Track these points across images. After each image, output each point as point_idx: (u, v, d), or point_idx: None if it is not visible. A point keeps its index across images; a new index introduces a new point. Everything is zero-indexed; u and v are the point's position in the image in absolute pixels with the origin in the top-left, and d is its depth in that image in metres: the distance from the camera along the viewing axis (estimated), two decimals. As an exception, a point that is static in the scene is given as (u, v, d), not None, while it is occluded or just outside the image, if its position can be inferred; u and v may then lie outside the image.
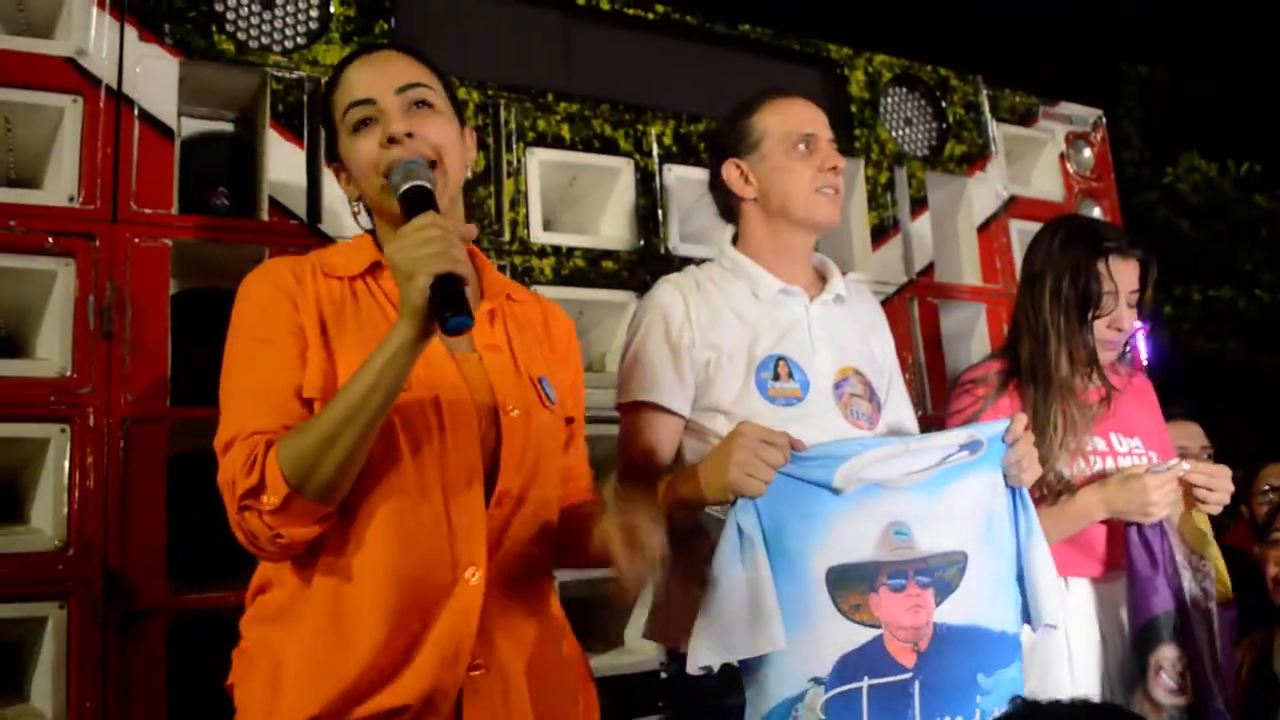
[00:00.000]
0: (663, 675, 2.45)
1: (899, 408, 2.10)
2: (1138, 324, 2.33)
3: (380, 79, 1.53)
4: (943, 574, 1.71)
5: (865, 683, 1.64)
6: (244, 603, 1.53)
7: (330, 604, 1.40)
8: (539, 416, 1.55)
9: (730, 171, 2.03)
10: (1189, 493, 2.15)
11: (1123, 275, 2.28)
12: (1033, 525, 1.83)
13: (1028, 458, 1.80)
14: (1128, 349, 2.41)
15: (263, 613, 1.48)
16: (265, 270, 1.54)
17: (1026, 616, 1.81)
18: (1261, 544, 2.54)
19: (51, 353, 2.08)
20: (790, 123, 2.00)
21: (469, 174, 1.63)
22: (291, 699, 1.39)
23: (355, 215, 1.62)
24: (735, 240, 2.09)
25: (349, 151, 1.54)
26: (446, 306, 1.28)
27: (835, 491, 1.66)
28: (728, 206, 2.10)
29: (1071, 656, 2.14)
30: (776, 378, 1.91)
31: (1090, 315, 2.25)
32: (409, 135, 1.49)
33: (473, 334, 1.55)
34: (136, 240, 2.15)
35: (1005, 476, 1.81)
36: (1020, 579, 1.81)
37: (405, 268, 1.29)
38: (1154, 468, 2.14)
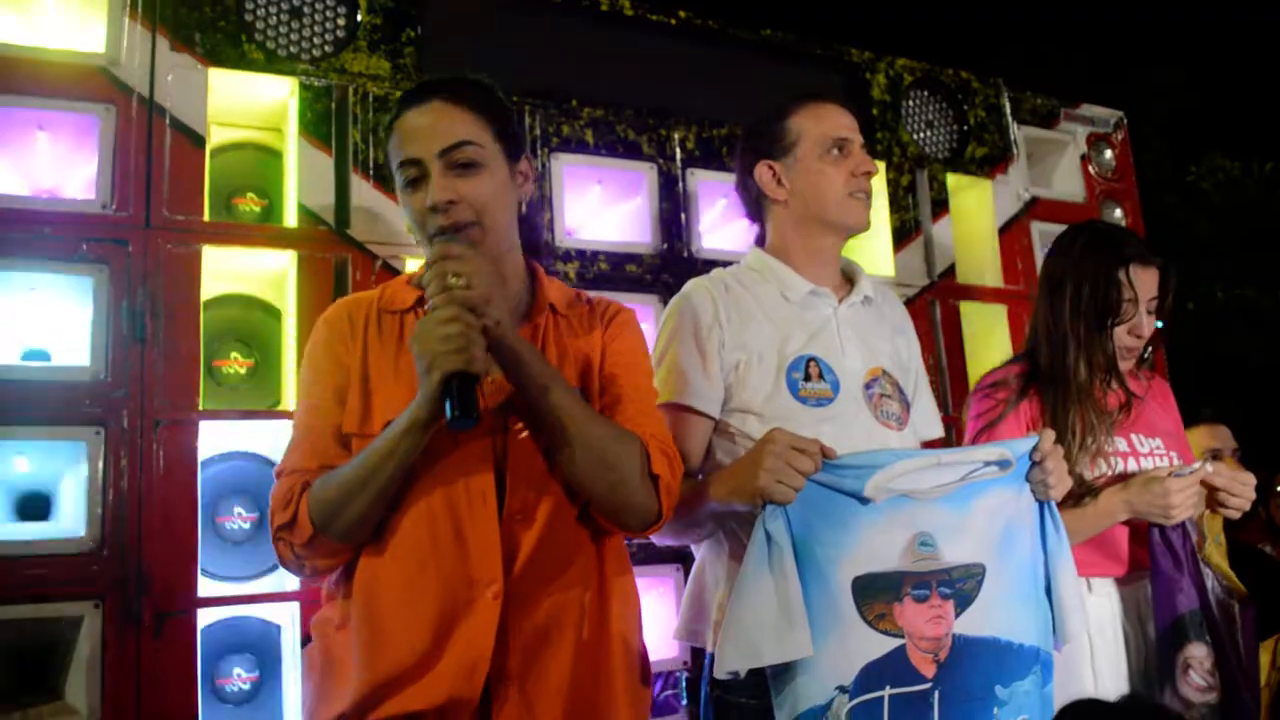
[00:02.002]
0: (686, 675, 2.46)
1: (925, 409, 2.11)
2: (1157, 325, 2.33)
3: (427, 140, 1.56)
4: (963, 586, 1.70)
5: (887, 692, 1.64)
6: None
7: (362, 615, 1.49)
8: None
9: (763, 173, 2.03)
10: (1211, 495, 2.15)
11: (1143, 283, 2.28)
12: (1062, 542, 1.82)
13: (1055, 474, 1.80)
14: (1148, 352, 2.40)
15: (319, 619, 1.59)
16: (328, 312, 1.65)
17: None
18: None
19: (86, 357, 2.12)
20: (825, 126, 2.01)
21: (523, 207, 1.67)
22: (328, 697, 1.49)
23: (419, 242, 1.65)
24: (760, 241, 2.11)
25: (404, 200, 1.59)
26: (454, 405, 1.38)
27: (864, 501, 1.66)
28: (756, 207, 2.11)
29: (1094, 657, 2.14)
30: (808, 378, 1.92)
31: (1111, 323, 2.25)
32: (450, 203, 1.54)
33: None
34: (169, 246, 2.19)
35: (1032, 491, 1.81)
36: (1048, 593, 1.81)
37: (423, 359, 1.40)
38: (1177, 470, 2.14)
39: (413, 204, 1.56)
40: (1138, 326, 2.26)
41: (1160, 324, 2.35)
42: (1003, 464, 1.75)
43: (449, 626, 1.45)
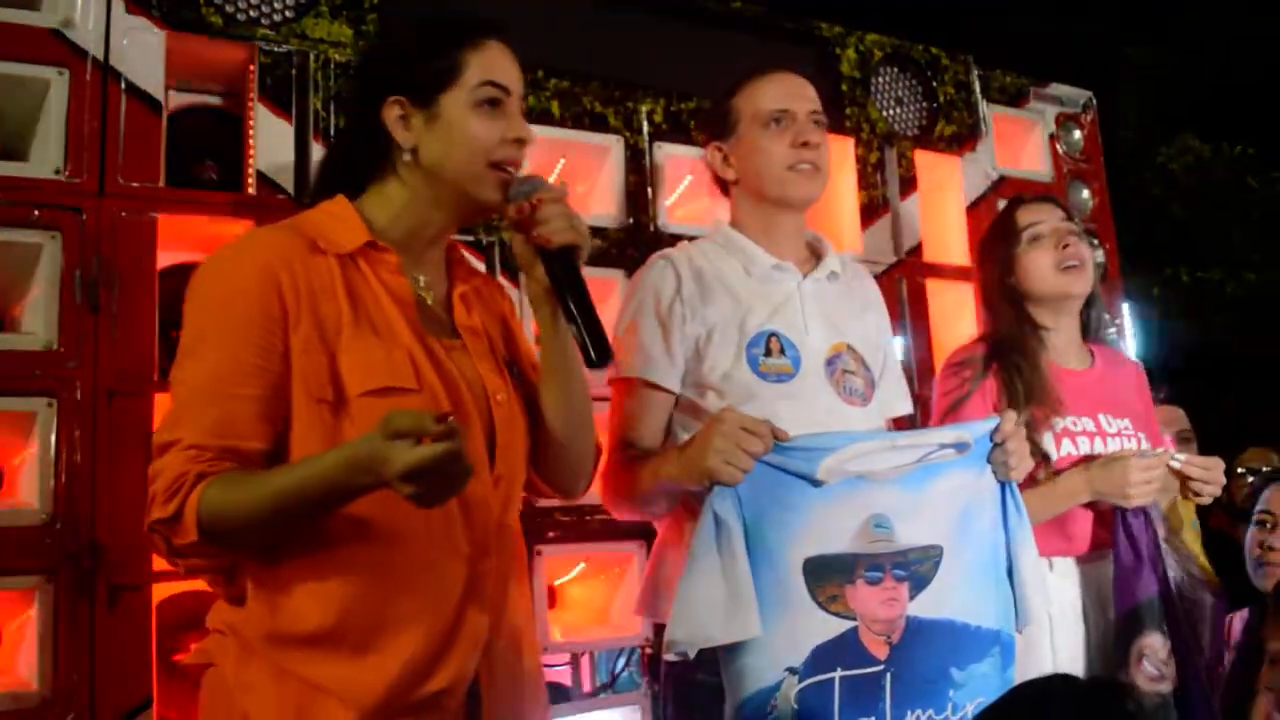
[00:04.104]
0: (648, 651, 2.47)
1: (893, 385, 2.11)
2: (1095, 255, 2.35)
3: (517, 80, 1.55)
4: (919, 568, 1.71)
5: (838, 674, 1.65)
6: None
7: (359, 601, 1.39)
8: (517, 400, 1.59)
9: (713, 155, 2.05)
10: (1184, 484, 2.16)
11: (1043, 212, 2.32)
12: (1023, 523, 1.83)
13: (1017, 454, 1.80)
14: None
15: (252, 632, 1.44)
16: (250, 246, 1.47)
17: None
18: (1242, 526, 2.57)
19: (38, 326, 2.07)
20: (761, 101, 1.99)
21: None
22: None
23: (396, 154, 1.54)
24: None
25: (460, 117, 1.50)
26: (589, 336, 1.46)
27: (817, 483, 1.66)
28: (720, 187, 2.10)
29: (1054, 635, 2.15)
30: (768, 354, 1.91)
31: (1013, 258, 2.30)
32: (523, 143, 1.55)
33: (454, 316, 1.58)
34: (124, 214, 2.14)
35: (994, 472, 1.81)
36: (1010, 575, 1.82)
37: (422, 484, 1.23)
38: (1141, 453, 2.15)
39: (484, 126, 1.50)
40: (1062, 243, 2.27)
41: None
42: (960, 446, 1.76)
43: (456, 603, 1.43)
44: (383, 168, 1.55)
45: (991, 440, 1.79)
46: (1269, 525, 2.53)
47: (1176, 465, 2.12)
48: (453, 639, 1.42)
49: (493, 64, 1.52)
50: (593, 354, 1.47)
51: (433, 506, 1.27)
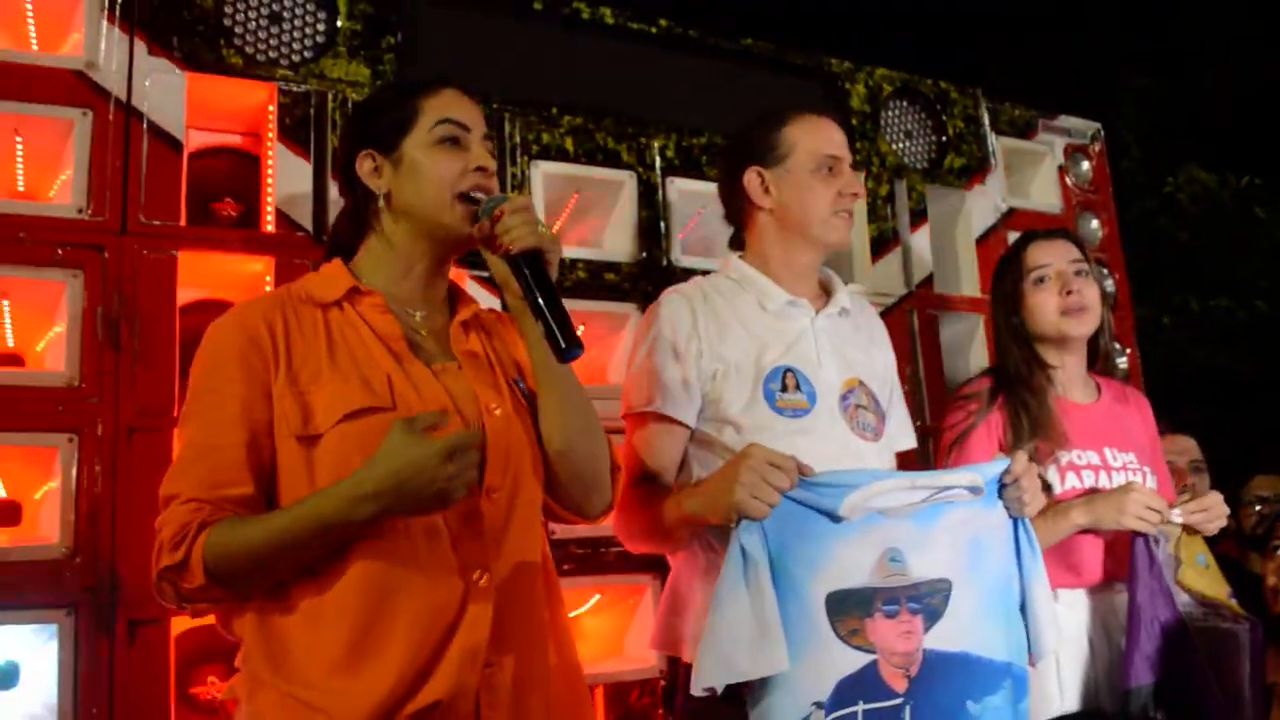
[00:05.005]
0: (662, 683, 2.47)
1: (899, 420, 2.13)
2: (1106, 285, 2.36)
3: (475, 117, 1.65)
4: (930, 601, 1.72)
5: (860, 707, 1.65)
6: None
7: (352, 624, 1.43)
8: (522, 418, 1.62)
9: (752, 179, 2.03)
10: (1187, 528, 2.15)
11: (1052, 253, 2.34)
12: (1036, 557, 1.84)
13: (1029, 491, 1.81)
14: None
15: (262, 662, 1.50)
16: (237, 316, 1.57)
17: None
18: (1258, 555, 2.56)
19: (60, 363, 2.10)
20: (819, 142, 2.02)
21: None
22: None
23: (373, 203, 1.64)
24: (733, 244, 2.12)
25: (424, 157, 1.60)
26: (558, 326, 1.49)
27: (838, 519, 1.67)
28: (738, 213, 2.10)
29: (1060, 668, 2.15)
30: (784, 389, 1.92)
31: (1019, 296, 2.33)
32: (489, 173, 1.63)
33: (451, 342, 1.63)
34: (145, 252, 2.17)
35: (1006, 507, 1.82)
36: (1023, 609, 1.82)
37: (409, 497, 1.37)
38: (1144, 488, 2.16)
39: (449, 161, 1.59)
40: (1067, 287, 2.29)
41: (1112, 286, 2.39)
42: (973, 489, 1.77)
43: (448, 620, 1.45)
44: (368, 227, 1.66)
45: (1002, 479, 1.80)
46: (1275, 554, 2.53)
47: (1178, 520, 2.12)
48: (443, 653, 1.44)
49: (448, 104, 1.63)
50: (561, 343, 1.50)
51: (450, 504, 1.38)
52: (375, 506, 1.38)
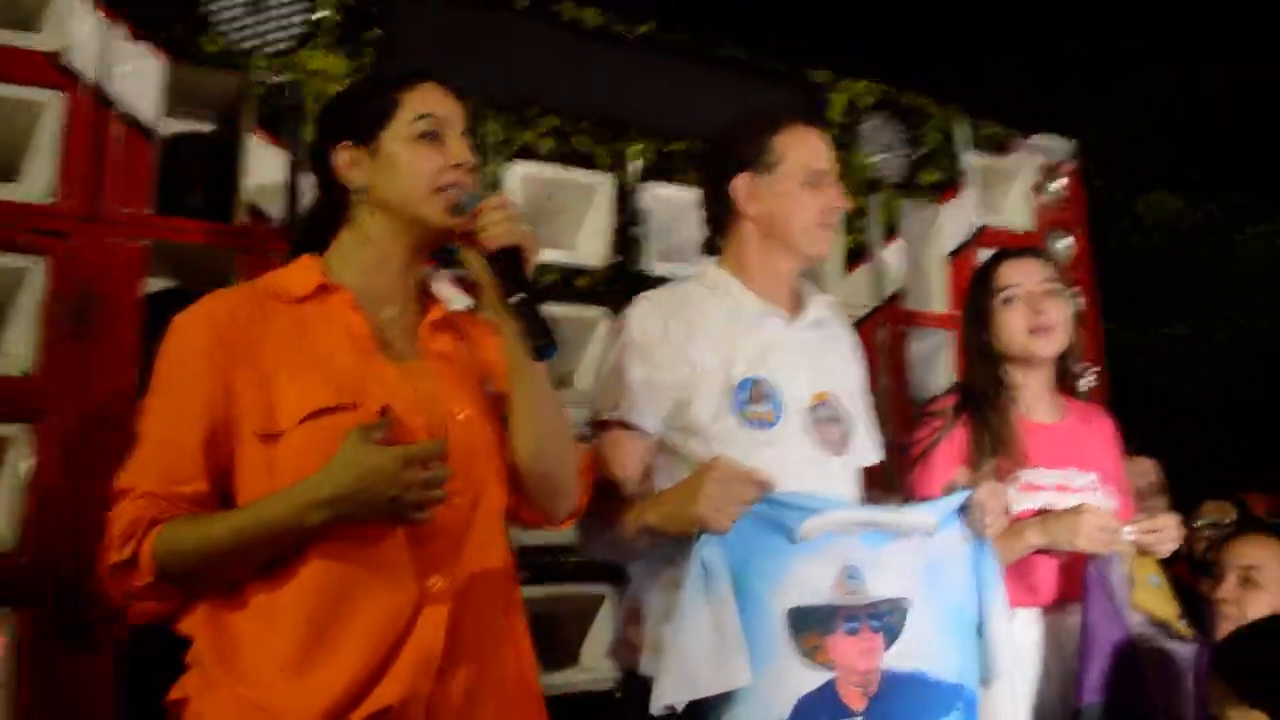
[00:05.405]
0: (617, 695, 2.46)
1: (866, 435, 2.13)
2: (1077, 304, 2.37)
3: (454, 112, 1.63)
4: (889, 619, 1.73)
5: None
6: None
7: (306, 623, 1.42)
8: (489, 421, 1.61)
9: (739, 184, 2.01)
10: (1140, 548, 2.18)
11: (1021, 272, 2.36)
12: (996, 579, 1.85)
13: (991, 516, 1.83)
14: (1081, 376, 2.47)
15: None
16: (205, 308, 1.54)
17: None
18: (1204, 579, 2.58)
19: (18, 350, 2.07)
20: (809, 155, 2.01)
21: None
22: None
23: (348, 195, 1.62)
24: (706, 249, 2.11)
25: (403, 152, 1.59)
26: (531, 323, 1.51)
27: (795, 539, 1.68)
28: (719, 217, 2.09)
29: (1014, 684, 2.17)
30: (752, 400, 1.92)
31: (988, 314, 2.34)
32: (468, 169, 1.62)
33: (420, 340, 1.62)
34: (112, 240, 2.14)
35: (970, 529, 1.84)
36: (980, 630, 1.84)
37: (364, 505, 1.38)
38: (1097, 510, 2.18)
39: (429, 156, 1.58)
40: (1035, 306, 2.31)
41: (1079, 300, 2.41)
42: (928, 530, 1.79)
43: (403, 624, 1.44)
44: (342, 220, 1.64)
45: (964, 505, 1.82)
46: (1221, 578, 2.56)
47: (1130, 538, 2.15)
48: (396, 656, 1.43)
49: (427, 99, 1.61)
50: (537, 342, 1.51)
51: (407, 513, 1.39)
52: (329, 513, 1.38)
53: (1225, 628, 2.43)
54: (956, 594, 1.82)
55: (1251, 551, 2.15)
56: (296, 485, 1.40)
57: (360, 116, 1.61)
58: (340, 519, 1.39)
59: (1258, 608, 2.13)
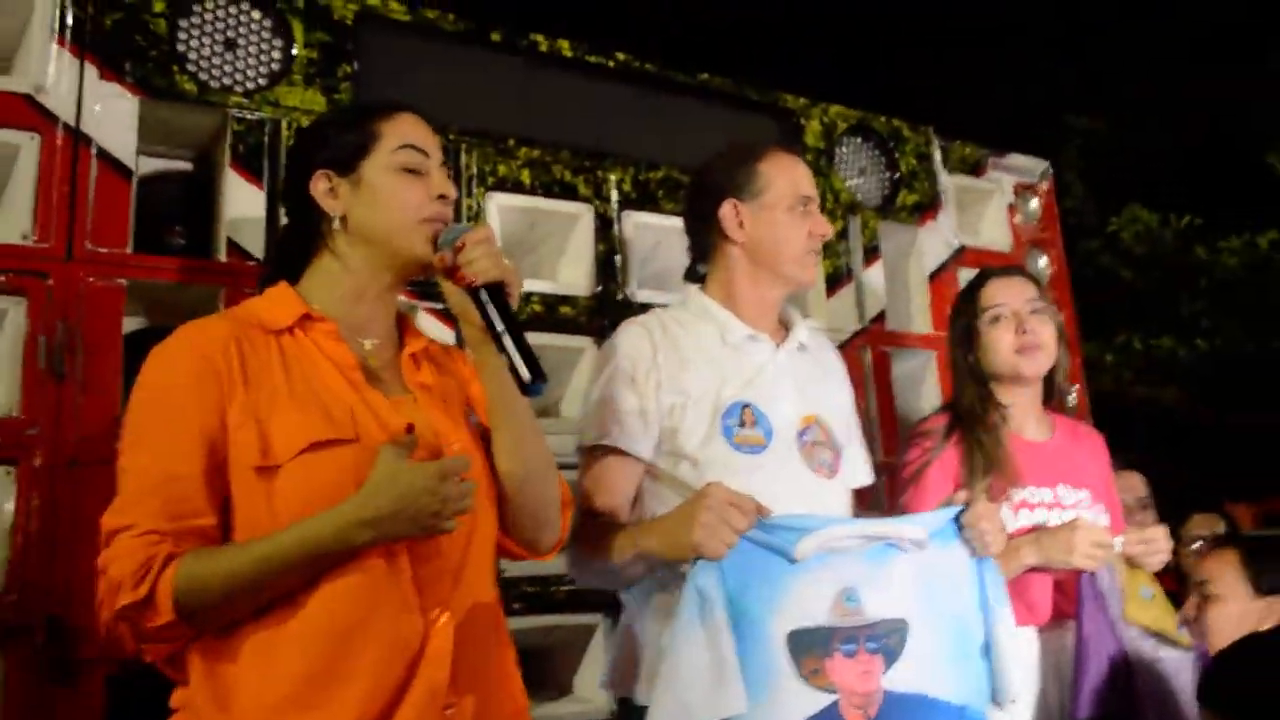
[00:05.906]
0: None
1: (856, 456, 2.13)
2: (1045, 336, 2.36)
3: (434, 144, 1.63)
4: (888, 640, 1.72)
5: None
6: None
7: (308, 660, 1.39)
8: (478, 453, 1.60)
9: (728, 211, 2.01)
10: (1130, 561, 2.18)
11: (1007, 292, 2.37)
12: (1001, 598, 1.84)
13: (990, 532, 1.82)
14: (1068, 391, 2.47)
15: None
16: (188, 338, 1.51)
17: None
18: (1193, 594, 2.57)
19: (-2, 392, 2.05)
20: (794, 182, 2.03)
21: None
22: None
23: (325, 223, 1.61)
24: (689, 277, 2.11)
25: (386, 182, 1.58)
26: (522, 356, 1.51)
27: (792, 561, 1.67)
28: (706, 245, 2.09)
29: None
30: (742, 424, 1.92)
31: (975, 334, 2.35)
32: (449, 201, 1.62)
33: (404, 374, 1.61)
34: (91, 279, 2.13)
35: (971, 548, 1.83)
36: (987, 650, 1.83)
37: (406, 521, 1.38)
38: (1091, 525, 2.18)
39: (408, 188, 1.58)
40: (1022, 327, 2.32)
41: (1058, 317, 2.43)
42: (918, 544, 1.79)
43: (409, 660, 1.42)
44: (318, 248, 1.62)
45: (958, 522, 1.81)
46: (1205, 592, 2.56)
47: (1119, 549, 2.15)
48: (404, 694, 1.40)
49: (408, 130, 1.61)
50: (525, 377, 1.50)
51: (444, 526, 1.40)
52: (374, 532, 1.38)
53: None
54: (961, 614, 1.81)
55: (1206, 567, 2.16)
56: (340, 506, 1.37)
57: (340, 145, 1.60)
58: (382, 537, 1.38)
59: (1216, 620, 2.13)
